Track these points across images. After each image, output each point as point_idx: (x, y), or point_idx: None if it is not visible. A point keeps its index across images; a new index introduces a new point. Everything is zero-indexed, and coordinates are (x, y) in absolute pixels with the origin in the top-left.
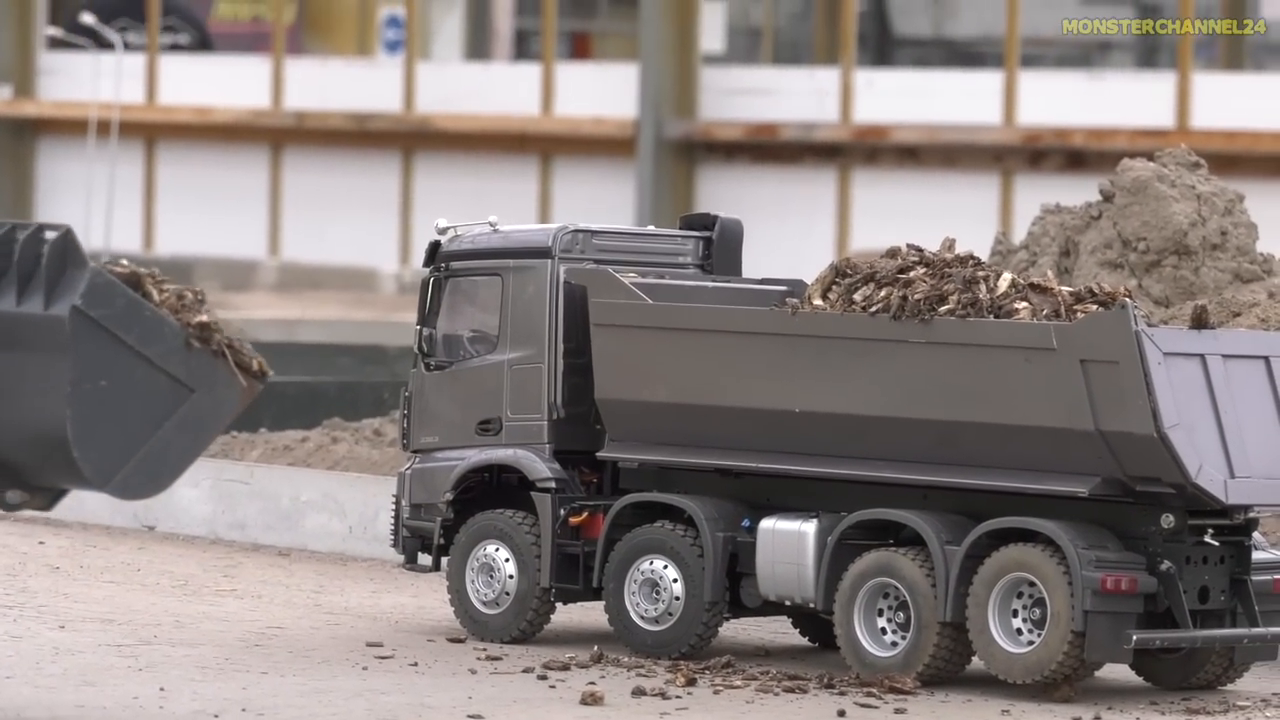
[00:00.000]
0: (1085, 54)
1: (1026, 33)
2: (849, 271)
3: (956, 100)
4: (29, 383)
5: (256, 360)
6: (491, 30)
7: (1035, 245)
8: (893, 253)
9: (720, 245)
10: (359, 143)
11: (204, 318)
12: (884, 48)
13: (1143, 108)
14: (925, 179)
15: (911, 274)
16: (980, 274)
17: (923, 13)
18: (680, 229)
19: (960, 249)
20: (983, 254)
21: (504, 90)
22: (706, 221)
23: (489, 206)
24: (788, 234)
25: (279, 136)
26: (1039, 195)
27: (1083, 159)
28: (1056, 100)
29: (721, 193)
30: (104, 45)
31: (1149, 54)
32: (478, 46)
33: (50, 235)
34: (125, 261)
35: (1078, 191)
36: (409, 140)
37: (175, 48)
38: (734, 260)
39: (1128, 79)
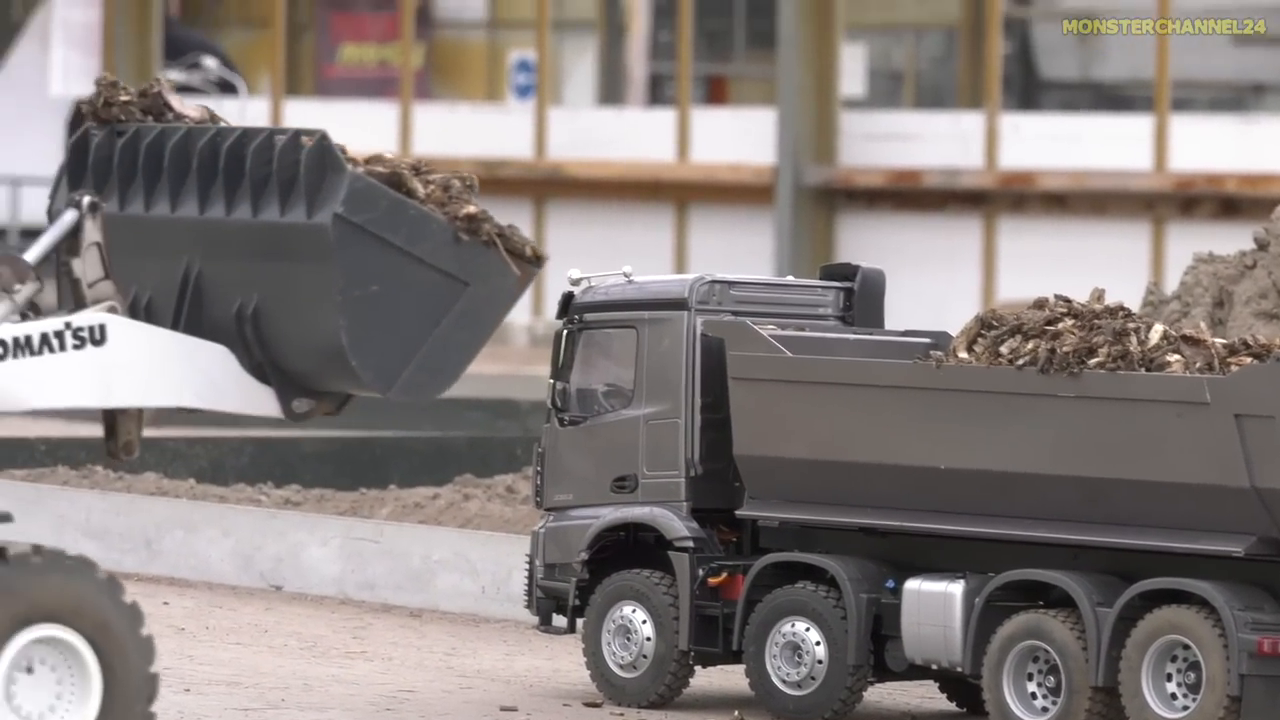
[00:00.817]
0: (1238, 97)
1: (1177, 75)
2: (995, 323)
3: (1105, 145)
4: (301, 293)
5: (529, 246)
6: (625, 75)
7: (1188, 295)
8: (1040, 303)
9: (862, 296)
10: (489, 190)
11: (471, 208)
12: (1030, 91)
13: None
14: (1073, 227)
15: (1059, 325)
16: (1131, 325)
17: (1070, 55)
18: (820, 279)
19: (1110, 299)
20: (1133, 305)
21: (638, 136)
22: (847, 271)
23: (623, 256)
24: (931, 284)
25: None
26: (1191, 243)
27: (1236, 206)
28: (1209, 145)
29: (862, 241)
30: (226, 89)
31: None
32: (611, 91)
33: (306, 141)
34: (388, 155)
35: (1231, 239)
36: (540, 188)
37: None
38: (876, 312)
39: None
